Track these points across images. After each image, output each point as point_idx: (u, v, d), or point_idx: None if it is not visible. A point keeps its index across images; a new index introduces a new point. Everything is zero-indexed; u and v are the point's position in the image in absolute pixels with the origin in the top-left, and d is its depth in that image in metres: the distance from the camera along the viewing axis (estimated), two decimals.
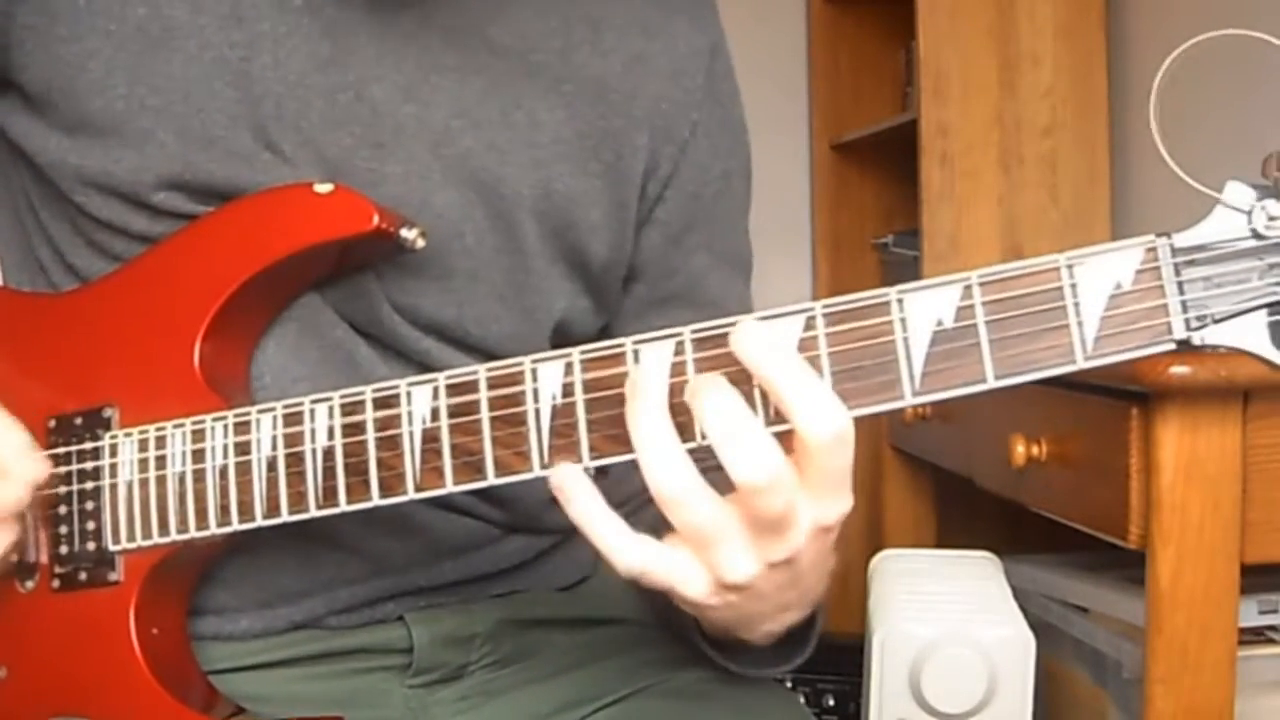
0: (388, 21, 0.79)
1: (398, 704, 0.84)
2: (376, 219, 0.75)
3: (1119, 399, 1.19)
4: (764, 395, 0.62)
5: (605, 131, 0.85)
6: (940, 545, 2.07)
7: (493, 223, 0.82)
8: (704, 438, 0.61)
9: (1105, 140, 2.39)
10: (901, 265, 2.71)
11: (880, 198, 3.03)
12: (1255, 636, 1.34)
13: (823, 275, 3.11)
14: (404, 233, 0.76)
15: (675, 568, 0.63)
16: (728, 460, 0.60)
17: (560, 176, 0.83)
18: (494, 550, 0.86)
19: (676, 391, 0.62)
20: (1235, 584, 1.16)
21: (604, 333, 0.92)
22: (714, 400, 0.61)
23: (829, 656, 1.95)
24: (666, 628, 0.90)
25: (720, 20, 0.93)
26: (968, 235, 2.41)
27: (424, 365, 0.82)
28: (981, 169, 2.40)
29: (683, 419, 0.62)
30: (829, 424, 0.60)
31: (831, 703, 1.90)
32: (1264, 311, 0.59)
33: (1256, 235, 0.59)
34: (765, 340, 0.61)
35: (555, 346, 0.87)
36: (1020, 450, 1.38)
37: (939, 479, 2.08)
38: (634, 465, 0.63)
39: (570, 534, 0.92)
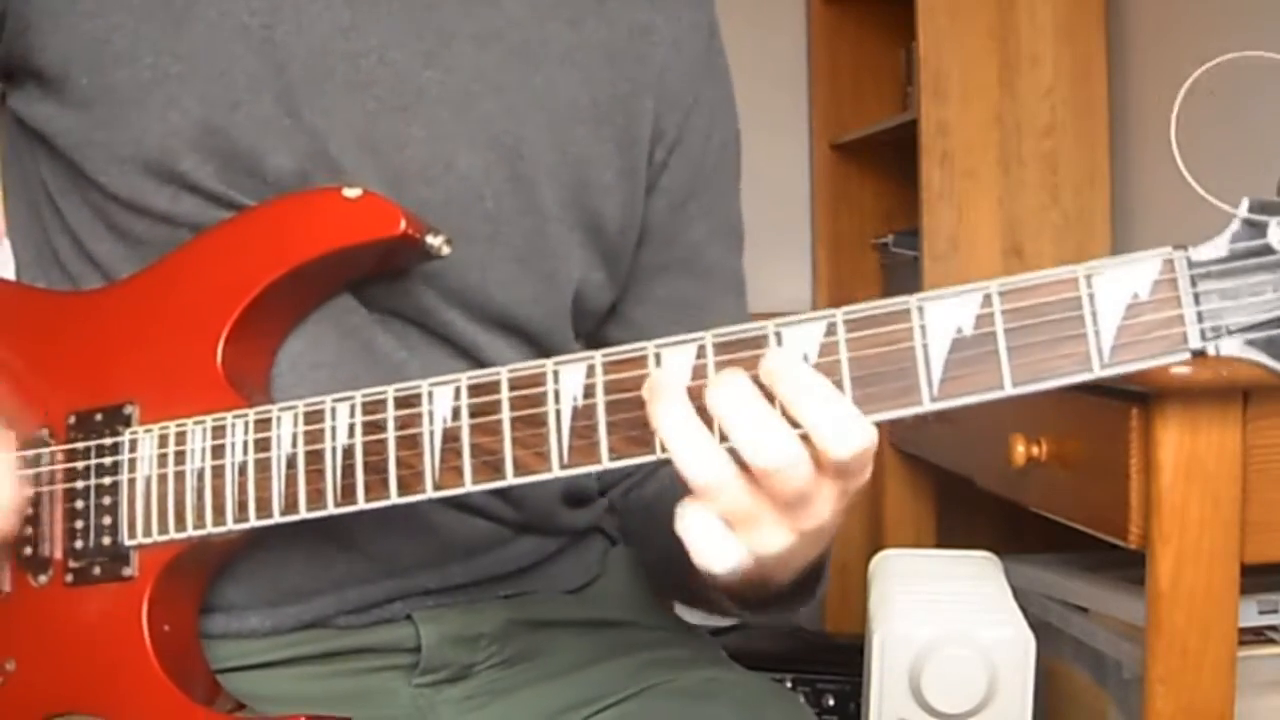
0: None
1: (404, 703, 0.84)
2: (403, 224, 0.75)
3: (1119, 399, 1.19)
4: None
5: (615, 97, 0.87)
6: (940, 545, 2.07)
7: (513, 185, 0.83)
8: (720, 430, 0.62)
9: (1105, 140, 2.39)
10: (901, 265, 2.71)
11: (880, 198, 3.03)
12: (1255, 636, 1.34)
13: (823, 275, 3.11)
14: (430, 239, 0.76)
15: (714, 541, 0.64)
16: (745, 446, 0.61)
17: (577, 140, 0.85)
18: (503, 552, 0.86)
19: (697, 395, 0.63)
20: (1235, 584, 1.16)
21: (613, 311, 0.92)
22: (726, 389, 0.62)
23: (829, 656, 1.96)
24: (639, 580, 0.92)
25: (714, 2, 0.96)
26: (968, 235, 2.41)
27: (447, 340, 0.83)
28: (981, 169, 2.40)
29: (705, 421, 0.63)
30: (855, 440, 0.61)
31: (831, 703, 1.90)
32: (1277, 324, 0.59)
33: (1270, 250, 0.60)
34: (793, 364, 0.62)
35: (573, 321, 0.88)
36: (1020, 450, 1.38)
37: (939, 479, 2.08)
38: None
39: (579, 536, 0.92)
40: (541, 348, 0.86)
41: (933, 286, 2.82)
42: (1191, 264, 0.60)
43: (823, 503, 0.64)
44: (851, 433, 0.61)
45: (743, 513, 0.63)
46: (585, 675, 0.88)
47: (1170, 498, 1.15)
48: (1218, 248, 0.60)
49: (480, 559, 0.85)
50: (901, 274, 2.72)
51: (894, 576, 1.50)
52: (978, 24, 2.38)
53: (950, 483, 1.95)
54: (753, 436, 0.61)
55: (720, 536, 0.64)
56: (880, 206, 3.03)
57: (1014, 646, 1.28)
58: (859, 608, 1.51)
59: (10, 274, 0.88)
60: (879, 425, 0.63)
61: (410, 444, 0.69)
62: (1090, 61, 2.38)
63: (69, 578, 0.76)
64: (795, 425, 0.62)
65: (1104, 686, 1.50)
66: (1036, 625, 1.33)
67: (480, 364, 0.83)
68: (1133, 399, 1.17)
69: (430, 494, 0.69)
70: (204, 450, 0.74)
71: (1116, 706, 1.47)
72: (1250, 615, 1.33)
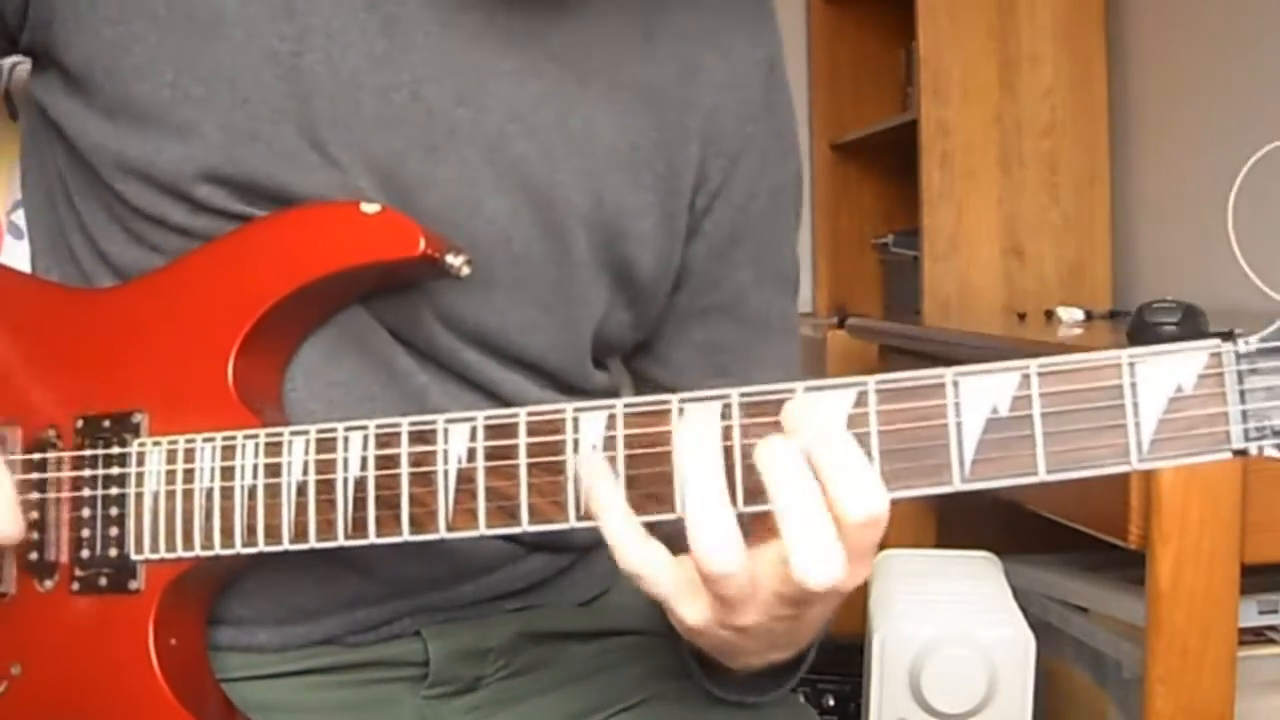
0: (447, 21, 0.77)
1: (411, 714, 0.83)
2: (423, 244, 0.73)
3: None
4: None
5: (658, 142, 0.83)
6: (940, 545, 2.06)
7: (541, 231, 0.80)
8: (747, 501, 0.60)
9: (1105, 140, 2.39)
10: (901, 265, 2.71)
11: (880, 198, 3.04)
12: (1255, 636, 1.34)
13: (823, 275, 3.11)
14: (450, 259, 0.74)
15: (680, 591, 0.62)
16: (798, 557, 0.58)
17: (614, 188, 0.82)
18: (515, 569, 0.85)
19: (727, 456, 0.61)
20: (1235, 584, 1.16)
21: (640, 349, 0.91)
22: (794, 483, 0.59)
23: (829, 656, 1.96)
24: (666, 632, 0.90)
25: (779, 31, 0.91)
26: (968, 235, 2.41)
27: (463, 376, 0.81)
28: (981, 169, 2.40)
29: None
30: (867, 506, 0.59)
31: (831, 703, 1.90)
32: None
33: None
34: (814, 412, 0.60)
35: (595, 352, 0.86)
36: None
37: None
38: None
39: (589, 550, 0.91)
40: (560, 383, 0.84)
41: (933, 286, 2.84)
42: (1239, 357, 0.57)
43: (818, 605, 0.62)
44: (872, 499, 0.59)
45: (735, 592, 0.60)
46: (592, 684, 0.87)
47: (1170, 498, 1.15)
48: (1266, 341, 0.57)
49: (491, 577, 0.84)
50: (901, 274, 2.72)
51: (894, 576, 1.50)
52: (978, 24, 2.38)
53: None
54: (807, 550, 0.58)
55: (688, 589, 0.62)
56: (880, 206, 3.03)
57: (1014, 646, 1.28)
58: (859, 608, 1.51)
59: (26, 265, 0.87)
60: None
61: (424, 481, 0.67)
62: (1090, 61, 2.38)
63: (75, 586, 0.75)
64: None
65: (1104, 686, 1.50)
66: (1036, 625, 1.33)
67: (498, 398, 0.81)
68: None
69: (443, 534, 0.67)
70: (213, 470, 0.72)
71: (1116, 706, 1.47)
72: (1250, 615, 1.34)
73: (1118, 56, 2.38)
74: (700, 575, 0.60)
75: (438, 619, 0.83)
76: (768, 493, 0.59)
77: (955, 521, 2.12)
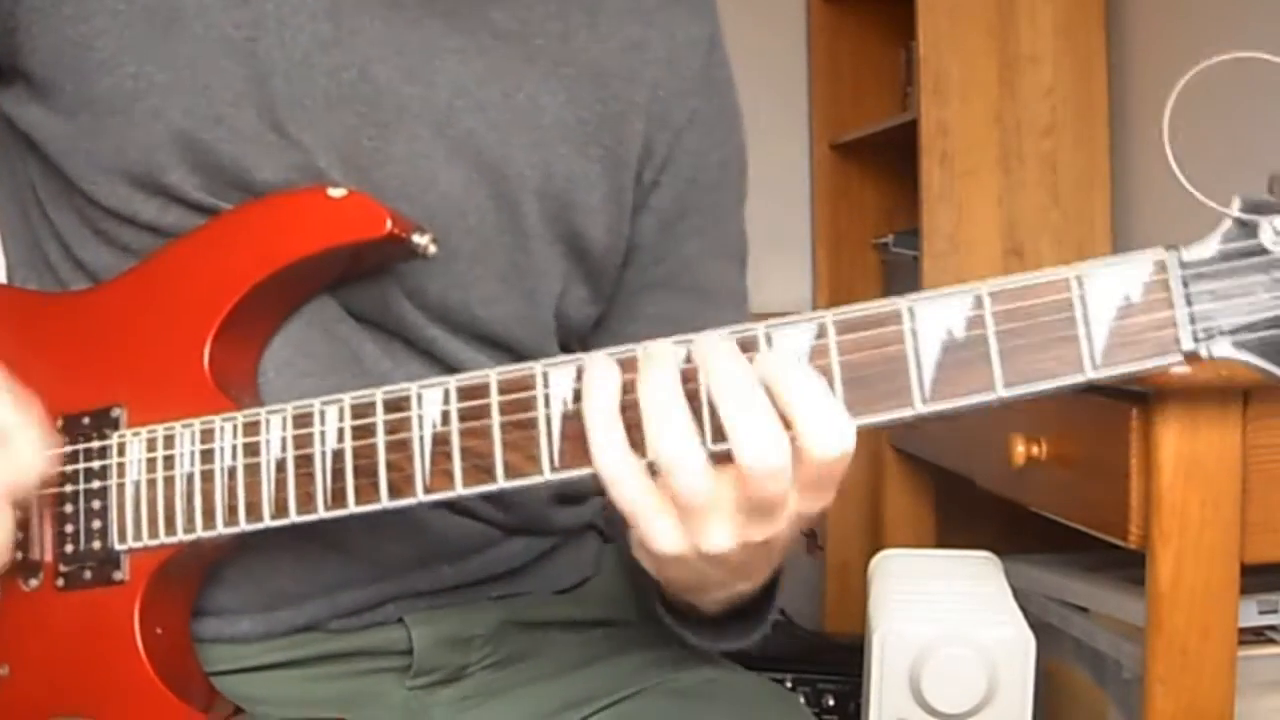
0: (392, 4, 0.80)
1: (398, 705, 0.84)
2: (389, 224, 0.75)
3: (1119, 399, 1.19)
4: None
5: (603, 116, 0.86)
6: (940, 545, 2.06)
7: (495, 203, 0.82)
8: (710, 405, 0.62)
9: (1105, 140, 2.39)
10: (901, 265, 2.71)
11: (880, 198, 3.03)
12: (1255, 636, 1.34)
13: (823, 275, 3.11)
14: (416, 238, 0.76)
15: (652, 513, 0.63)
16: (738, 437, 0.60)
17: (561, 158, 0.84)
18: (495, 553, 0.86)
19: (691, 377, 0.63)
20: (1235, 584, 1.16)
21: (596, 327, 0.92)
22: (727, 369, 0.61)
23: (829, 656, 1.96)
24: (633, 579, 0.91)
25: (717, 12, 0.94)
26: (968, 235, 2.41)
27: (429, 355, 0.82)
28: (981, 169, 2.40)
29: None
30: (837, 440, 0.61)
31: (831, 703, 1.90)
32: (1269, 324, 0.59)
33: (1263, 250, 0.60)
34: (778, 353, 0.62)
35: (559, 335, 0.88)
36: (1020, 450, 1.38)
37: (939, 479, 2.08)
38: None
39: (571, 536, 0.92)
40: (525, 360, 0.85)
41: (933, 286, 2.82)
42: (1183, 265, 0.60)
43: (781, 518, 0.63)
44: (841, 432, 0.61)
45: (698, 503, 0.62)
46: (581, 675, 0.88)
47: (1170, 498, 1.15)
48: (1209, 248, 0.60)
49: (471, 560, 0.85)
50: (901, 274, 2.72)
51: (894, 576, 1.50)
52: (978, 24, 2.38)
53: (950, 483, 1.94)
54: (748, 432, 0.60)
55: (662, 514, 0.63)
56: (880, 206, 3.03)
57: (1014, 646, 1.28)
58: (859, 608, 1.51)
59: (1, 274, 0.88)
60: (875, 430, 0.63)
61: (400, 447, 0.69)
62: (1090, 61, 2.38)
63: (60, 582, 0.76)
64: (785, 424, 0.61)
65: (1104, 686, 1.50)
66: (1036, 625, 1.33)
67: None
68: (1133, 399, 1.17)
69: (421, 498, 0.69)
70: (193, 454, 0.74)
71: (1116, 706, 1.47)
72: (1250, 615, 1.33)
73: (1118, 56, 2.38)
74: (663, 470, 0.62)
75: (420, 606, 0.84)
76: (705, 382, 0.61)
77: (955, 521, 2.13)
